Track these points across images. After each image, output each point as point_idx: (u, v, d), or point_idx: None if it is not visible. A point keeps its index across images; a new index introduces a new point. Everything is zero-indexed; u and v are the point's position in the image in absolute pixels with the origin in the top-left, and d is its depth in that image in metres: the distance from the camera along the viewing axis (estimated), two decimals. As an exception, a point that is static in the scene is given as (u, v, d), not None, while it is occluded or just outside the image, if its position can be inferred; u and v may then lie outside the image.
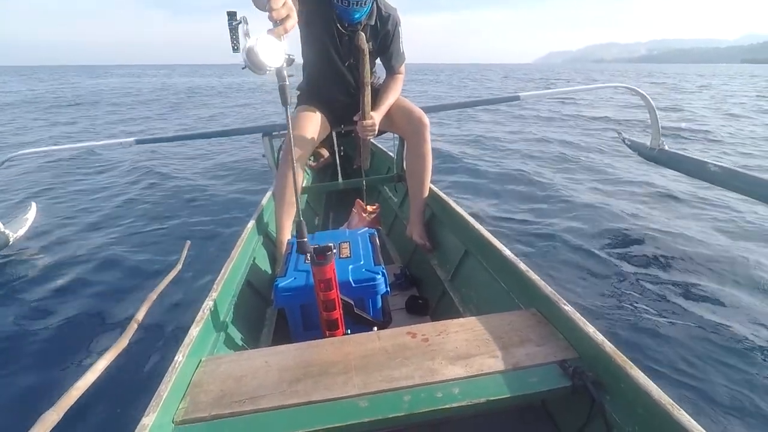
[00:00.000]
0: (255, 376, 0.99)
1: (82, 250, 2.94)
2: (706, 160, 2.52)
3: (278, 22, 0.95)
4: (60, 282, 2.51)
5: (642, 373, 0.83)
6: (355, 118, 1.87)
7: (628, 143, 3.15)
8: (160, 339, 1.84)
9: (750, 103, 14.20)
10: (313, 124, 1.91)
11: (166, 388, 0.89)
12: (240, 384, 0.97)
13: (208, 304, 1.21)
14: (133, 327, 1.13)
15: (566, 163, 5.52)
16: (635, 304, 2.15)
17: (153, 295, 1.34)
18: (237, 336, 1.34)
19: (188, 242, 1.94)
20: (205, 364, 1.06)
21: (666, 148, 2.80)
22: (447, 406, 0.88)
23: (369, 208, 2.25)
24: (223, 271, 1.42)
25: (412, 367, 0.99)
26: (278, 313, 1.61)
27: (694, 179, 2.72)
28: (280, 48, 0.95)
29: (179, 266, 1.66)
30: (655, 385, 0.80)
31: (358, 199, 2.29)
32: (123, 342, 1.06)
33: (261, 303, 1.65)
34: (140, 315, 1.21)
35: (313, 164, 3.56)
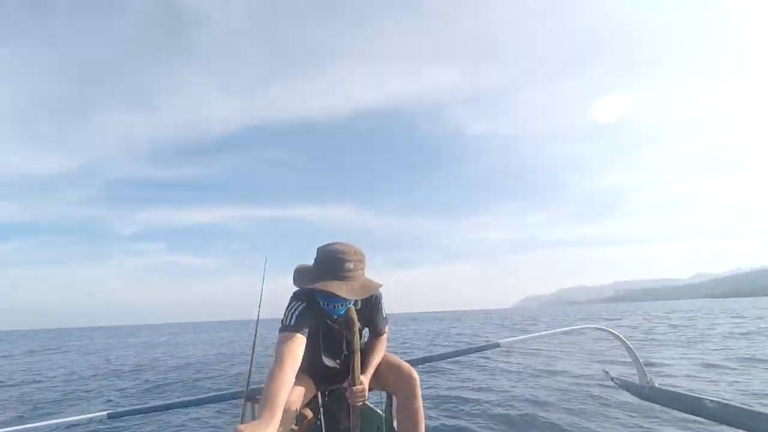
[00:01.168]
0: None
1: None
2: (701, 396, 2.48)
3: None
4: None
5: None
6: (345, 385, 1.87)
7: (618, 382, 3.11)
8: None
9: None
10: (298, 391, 1.86)
11: None
12: None
13: None
14: None
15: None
16: None
17: None
18: None
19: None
20: None
21: (656, 385, 2.78)
22: None
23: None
24: None
25: None
26: None
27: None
28: None
29: None
30: None
31: None
32: None
33: None
34: None
35: (296, 427, 3.27)
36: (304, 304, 1.77)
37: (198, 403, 2.49)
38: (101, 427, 6.07)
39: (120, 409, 2.44)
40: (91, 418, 2.30)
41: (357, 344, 1.83)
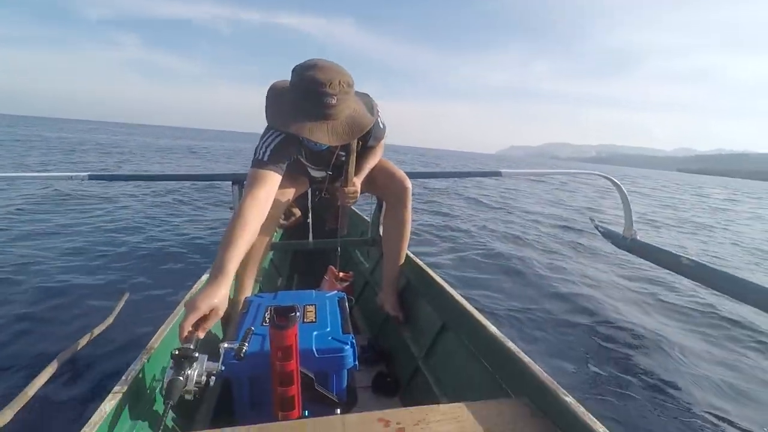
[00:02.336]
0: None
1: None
2: (679, 253, 2.54)
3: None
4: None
5: None
6: (337, 184, 1.76)
7: (602, 230, 3.18)
8: (61, 412, 1.49)
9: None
10: (291, 182, 1.79)
11: None
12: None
13: (135, 369, 0.98)
14: (27, 394, 0.88)
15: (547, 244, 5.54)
16: (639, 404, 1.98)
17: (66, 354, 1.09)
18: (168, 414, 1.08)
19: (127, 293, 1.69)
20: None
21: (638, 237, 2.83)
22: None
23: (341, 274, 2.09)
24: (161, 330, 1.19)
25: None
26: (222, 385, 1.36)
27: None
28: None
29: (110, 320, 1.41)
30: None
31: (331, 267, 2.12)
32: (7, 414, 0.81)
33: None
34: (43, 378, 0.96)
35: (283, 222, 3.40)
36: (281, 136, 1.50)
37: (183, 178, 2.45)
38: (80, 188, 6.43)
39: (101, 173, 2.39)
40: (71, 176, 2.25)
41: (353, 146, 1.65)
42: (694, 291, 3.93)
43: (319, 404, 1.15)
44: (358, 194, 1.74)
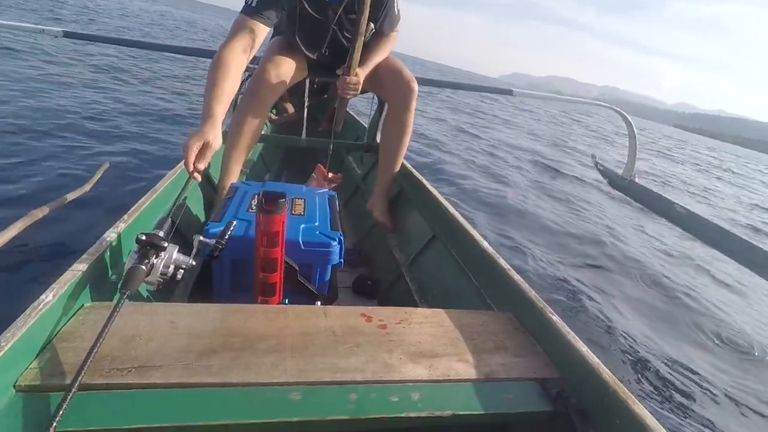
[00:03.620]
0: (152, 338, 0.74)
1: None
2: (674, 200, 2.51)
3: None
4: None
5: (648, 412, 0.68)
6: (339, 72, 1.60)
7: (601, 168, 3.11)
8: (29, 269, 1.46)
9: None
10: (288, 64, 1.63)
11: (12, 337, 0.61)
12: (129, 346, 0.71)
13: (111, 235, 0.92)
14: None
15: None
16: (623, 328, 2.07)
17: (39, 213, 1.02)
18: (123, 302, 1.05)
19: (107, 163, 1.59)
20: (86, 313, 0.78)
21: (637, 180, 2.78)
22: (403, 415, 0.68)
23: (330, 175, 2.01)
24: (142, 200, 1.12)
25: (364, 357, 0.77)
26: (203, 266, 1.33)
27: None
28: None
29: (87, 187, 1.33)
30: (664, 430, 0.65)
31: (320, 165, 2.04)
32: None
33: (185, 252, 1.36)
34: (11, 233, 0.90)
35: (276, 117, 3.24)
36: None
37: (168, 50, 2.23)
38: (53, 44, 5.97)
39: (78, 31, 2.15)
40: (44, 30, 2.02)
41: (363, 25, 1.47)
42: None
43: (299, 295, 1.14)
44: (360, 87, 1.61)
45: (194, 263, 0.91)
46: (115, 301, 0.72)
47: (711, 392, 1.76)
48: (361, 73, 1.59)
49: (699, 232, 2.34)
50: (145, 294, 1.05)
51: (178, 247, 0.89)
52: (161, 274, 0.83)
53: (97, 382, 0.63)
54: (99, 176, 1.48)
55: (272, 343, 0.77)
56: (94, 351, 0.61)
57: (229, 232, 0.97)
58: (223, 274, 1.14)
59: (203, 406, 0.63)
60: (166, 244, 0.83)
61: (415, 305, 1.37)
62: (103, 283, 0.89)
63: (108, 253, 0.90)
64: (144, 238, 0.80)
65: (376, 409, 0.68)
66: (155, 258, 0.82)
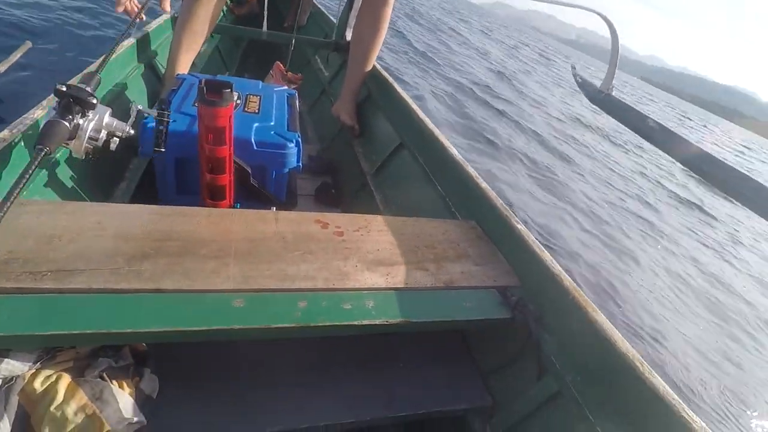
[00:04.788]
0: (75, 239, 0.65)
1: None
2: (647, 114, 2.48)
3: None
4: None
5: (605, 318, 0.67)
6: None
7: (579, 80, 2.99)
8: None
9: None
10: None
11: None
12: (46, 248, 0.62)
13: (35, 115, 0.79)
14: None
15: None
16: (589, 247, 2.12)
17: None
18: (76, 181, 0.94)
19: (29, 43, 1.37)
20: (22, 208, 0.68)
21: (613, 94, 2.70)
22: (355, 323, 0.65)
23: (290, 74, 1.83)
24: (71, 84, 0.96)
25: (316, 265, 0.72)
26: (147, 166, 1.21)
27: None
28: None
29: (3, 68, 1.13)
30: (620, 335, 0.65)
31: (278, 61, 1.84)
32: None
33: (123, 148, 1.22)
34: None
35: (235, 7, 2.88)
36: None
37: None
38: None
39: None
40: None
41: None
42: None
43: (254, 201, 1.06)
44: None
45: (132, 132, 0.79)
46: (25, 165, 0.58)
47: (669, 304, 1.89)
48: None
49: (671, 149, 2.36)
50: (79, 191, 0.94)
51: (110, 109, 0.75)
52: (90, 138, 0.70)
53: (6, 286, 0.56)
54: (18, 56, 1.27)
55: (214, 249, 0.70)
56: None
57: (167, 118, 0.85)
58: (166, 174, 1.03)
59: (131, 313, 0.57)
60: (95, 101, 0.69)
61: (379, 214, 1.33)
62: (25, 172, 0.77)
63: (22, 142, 0.77)
64: (65, 89, 0.65)
65: (327, 316, 0.64)
66: (81, 118, 0.68)
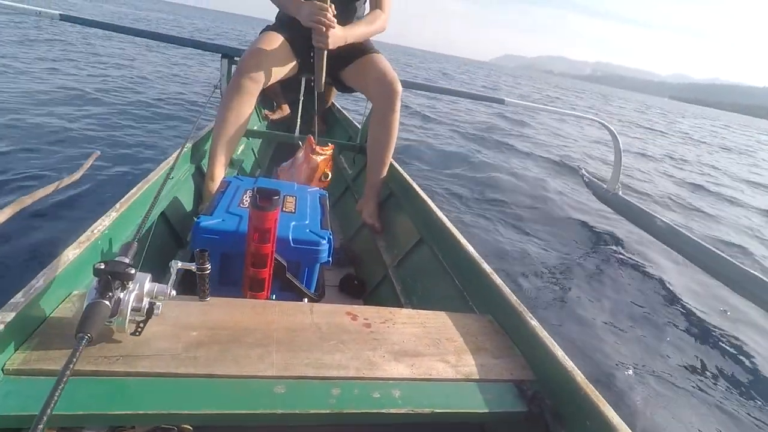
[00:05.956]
0: (141, 328, 0.75)
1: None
2: (654, 213, 2.59)
3: None
4: None
5: (617, 415, 0.71)
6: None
7: (586, 180, 3.19)
8: (18, 255, 1.45)
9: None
10: (271, 55, 1.65)
11: (2, 321, 0.62)
12: (116, 336, 0.72)
13: (102, 224, 0.93)
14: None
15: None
16: (606, 335, 2.11)
17: (27, 200, 1.02)
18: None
19: (97, 152, 1.59)
20: (74, 301, 0.79)
21: (620, 193, 2.85)
22: (384, 411, 0.70)
23: (319, 149, 1.80)
24: (133, 191, 1.13)
25: (348, 354, 0.80)
26: (191, 258, 1.34)
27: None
28: None
29: (77, 176, 1.33)
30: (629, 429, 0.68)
31: (310, 136, 1.86)
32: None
33: (172, 242, 1.37)
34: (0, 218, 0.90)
35: (269, 113, 3.25)
36: None
37: (168, 40, 2.22)
38: (49, 27, 5.90)
39: (76, 15, 2.14)
40: (40, 11, 2.00)
41: None
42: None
43: (287, 292, 1.16)
44: (336, 39, 1.55)
45: (174, 293, 0.74)
46: (72, 349, 0.56)
47: (685, 396, 1.82)
48: (341, 32, 1.57)
49: (679, 247, 2.42)
50: None
51: (150, 275, 0.74)
52: (133, 310, 0.68)
53: (84, 369, 0.65)
54: (89, 165, 1.48)
55: (259, 337, 0.78)
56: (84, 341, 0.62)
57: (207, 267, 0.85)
58: (212, 268, 1.15)
59: (188, 396, 0.64)
60: (133, 271, 0.66)
61: (400, 305, 1.40)
62: (92, 269, 0.90)
63: (99, 241, 0.91)
64: (103, 267, 0.64)
65: (357, 404, 0.70)
66: (121, 292, 0.66)
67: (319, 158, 1.78)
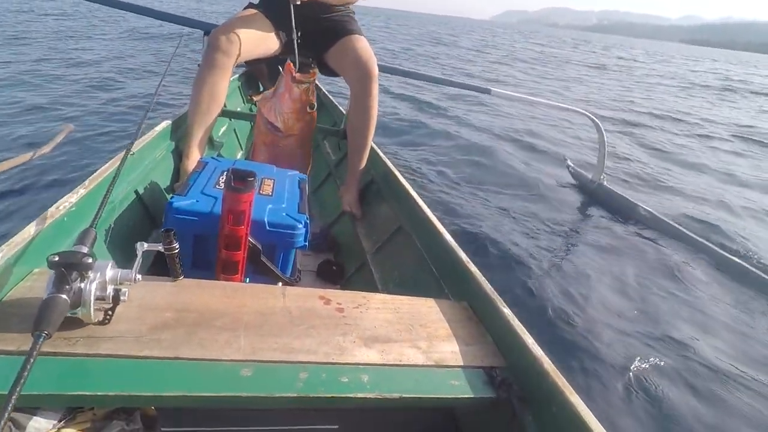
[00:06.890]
0: (105, 308, 0.73)
1: None
2: (637, 202, 2.66)
3: None
4: None
5: (582, 402, 0.72)
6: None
7: (572, 171, 3.22)
8: None
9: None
10: (253, 31, 1.60)
11: None
12: (77, 316, 0.70)
13: (70, 199, 0.90)
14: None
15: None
16: (577, 321, 2.14)
17: (-9, 172, 0.98)
18: (99, 252, 1.03)
19: (71, 126, 1.54)
20: (35, 279, 0.76)
21: (605, 183, 2.90)
22: (351, 395, 0.70)
23: (300, 76, 1.59)
24: (106, 166, 1.10)
25: (318, 339, 0.79)
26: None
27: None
28: None
29: (46, 149, 1.28)
30: (595, 420, 0.70)
31: (289, 62, 1.61)
32: None
33: (146, 222, 1.34)
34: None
35: (254, 95, 3.19)
36: None
37: (146, 13, 2.15)
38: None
39: None
40: None
41: None
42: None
43: (262, 276, 1.14)
44: None
45: (140, 277, 0.71)
46: (29, 346, 0.54)
47: (651, 382, 1.88)
48: None
49: (664, 234, 2.58)
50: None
51: (111, 261, 0.69)
52: (98, 299, 0.65)
53: (43, 350, 0.63)
54: (60, 139, 1.43)
55: (228, 321, 0.77)
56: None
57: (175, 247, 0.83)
58: (184, 249, 1.12)
59: (151, 378, 0.63)
60: (90, 260, 0.62)
61: (377, 292, 1.40)
62: (57, 248, 0.87)
63: (65, 218, 0.88)
64: (57, 259, 0.60)
65: (325, 388, 0.70)
66: (81, 282, 0.62)
67: (301, 86, 1.60)
